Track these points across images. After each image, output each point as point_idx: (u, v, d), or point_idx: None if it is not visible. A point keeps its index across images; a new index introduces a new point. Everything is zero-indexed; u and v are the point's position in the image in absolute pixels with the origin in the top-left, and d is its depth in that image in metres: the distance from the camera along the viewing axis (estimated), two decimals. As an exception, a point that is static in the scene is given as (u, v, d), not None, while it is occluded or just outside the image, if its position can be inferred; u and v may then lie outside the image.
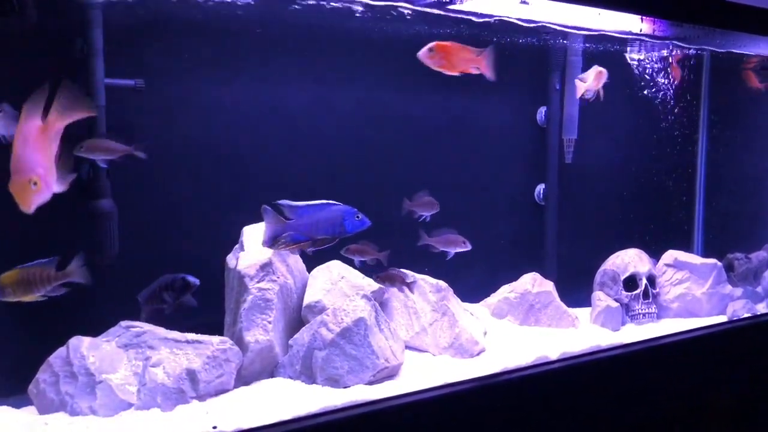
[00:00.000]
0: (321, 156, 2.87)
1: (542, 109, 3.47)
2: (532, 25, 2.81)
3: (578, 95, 3.16)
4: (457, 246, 2.74)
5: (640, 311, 3.24)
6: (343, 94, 2.90)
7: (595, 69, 3.08)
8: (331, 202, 2.14)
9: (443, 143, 3.21)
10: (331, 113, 2.89)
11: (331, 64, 2.85)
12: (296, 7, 2.53)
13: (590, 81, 3.07)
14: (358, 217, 2.13)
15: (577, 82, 3.15)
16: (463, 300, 2.90)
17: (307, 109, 2.82)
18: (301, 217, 2.09)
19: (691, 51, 3.82)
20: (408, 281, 2.49)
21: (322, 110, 2.86)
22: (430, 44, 2.29)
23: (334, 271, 2.58)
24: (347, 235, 2.19)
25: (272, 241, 2.09)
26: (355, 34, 2.77)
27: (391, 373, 2.36)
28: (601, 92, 3.08)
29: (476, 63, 2.33)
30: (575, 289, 3.32)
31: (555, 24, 2.85)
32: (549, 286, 3.12)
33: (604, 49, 3.36)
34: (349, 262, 2.58)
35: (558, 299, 3.10)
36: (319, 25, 2.68)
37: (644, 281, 3.26)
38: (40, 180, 1.68)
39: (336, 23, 2.70)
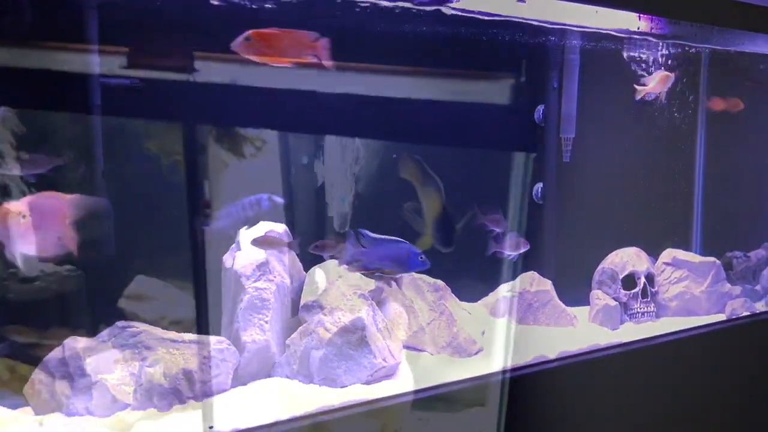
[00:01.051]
0: (318, 155, 2.86)
1: (540, 108, 3.46)
2: (529, 22, 2.80)
3: (638, 98, 3.22)
4: (521, 246, 2.87)
5: (638, 310, 3.23)
6: (338, 94, 2.89)
7: (662, 73, 3.18)
8: (401, 240, 2.30)
9: (439, 141, 3.20)
10: (327, 111, 2.88)
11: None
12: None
13: (654, 84, 3.16)
14: (421, 258, 2.28)
15: (637, 87, 3.22)
16: (461, 299, 2.89)
17: (303, 104, 2.81)
18: (375, 249, 2.25)
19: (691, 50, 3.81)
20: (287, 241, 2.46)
21: (316, 104, 2.84)
22: (246, 33, 2.04)
23: (331, 270, 2.57)
24: (407, 272, 2.42)
25: (348, 264, 2.26)
26: (350, 31, 2.77)
27: (388, 373, 2.35)
28: (663, 95, 3.13)
29: (312, 50, 2.13)
30: (573, 288, 3.31)
31: (552, 22, 2.85)
32: (547, 285, 3.11)
33: (602, 48, 3.35)
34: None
35: (556, 298, 3.09)
36: (320, 21, 2.67)
37: (643, 280, 3.25)
38: (29, 217, 1.72)
39: (335, 20, 2.69)
